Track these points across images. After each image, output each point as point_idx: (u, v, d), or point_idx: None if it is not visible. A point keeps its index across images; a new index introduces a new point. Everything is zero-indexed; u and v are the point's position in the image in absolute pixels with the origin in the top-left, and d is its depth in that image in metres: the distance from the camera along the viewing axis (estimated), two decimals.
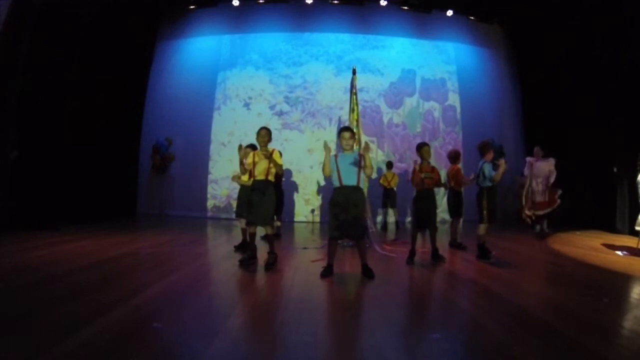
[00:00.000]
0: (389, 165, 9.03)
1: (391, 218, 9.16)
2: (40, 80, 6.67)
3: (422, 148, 5.08)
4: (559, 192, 7.33)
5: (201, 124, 10.40)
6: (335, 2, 10.72)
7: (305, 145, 10.23)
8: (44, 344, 2.22)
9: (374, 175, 9.65)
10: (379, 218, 9.30)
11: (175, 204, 10.40)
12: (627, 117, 7.61)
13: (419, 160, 5.06)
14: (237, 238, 5.87)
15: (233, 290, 3.85)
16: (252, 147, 5.20)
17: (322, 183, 9.58)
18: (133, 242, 6.14)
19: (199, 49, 10.84)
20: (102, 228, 7.21)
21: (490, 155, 5.16)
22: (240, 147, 4.55)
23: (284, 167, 5.29)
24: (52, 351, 2.15)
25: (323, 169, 4.16)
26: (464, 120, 10.79)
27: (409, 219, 9.55)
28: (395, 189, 8.82)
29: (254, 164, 4.55)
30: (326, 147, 4.10)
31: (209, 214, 10.23)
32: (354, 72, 6.73)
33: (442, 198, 8.26)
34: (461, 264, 5.03)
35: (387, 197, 8.79)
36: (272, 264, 4.40)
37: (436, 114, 10.83)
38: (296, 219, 9.95)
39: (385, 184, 8.78)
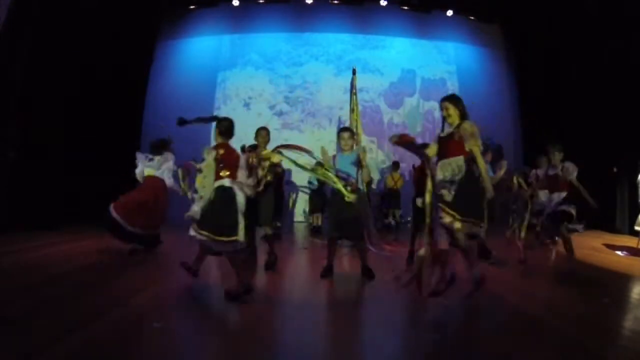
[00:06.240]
0: (396, 165, 8.98)
1: (395, 219, 9.15)
2: (40, 80, 6.66)
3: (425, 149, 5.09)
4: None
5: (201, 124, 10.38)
6: (335, 2, 10.70)
7: (305, 145, 10.14)
8: (44, 344, 2.22)
9: (376, 176, 9.62)
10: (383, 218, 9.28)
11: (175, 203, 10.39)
12: (627, 117, 7.61)
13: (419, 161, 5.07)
14: None
15: None
16: (254, 147, 5.20)
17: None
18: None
19: (199, 49, 10.82)
20: (102, 228, 7.19)
21: (489, 157, 5.17)
22: (243, 147, 4.57)
23: (283, 168, 5.29)
24: (53, 351, 2.15)
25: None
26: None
27: (410, 218, 9.54)
28: (400, 190, 8.81)
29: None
30: (323, 152, 4.12)
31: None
32: (354, 72, 6.73)
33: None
34: (461, 264, 5.02)
35: (392, 198, 8.76)
36: (272, 264, 4.40)
37: (436, 114, 10.78)
38: (296, 219, 9.94)
39: (392, 184, 8.76)
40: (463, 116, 3.31)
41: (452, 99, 3.41)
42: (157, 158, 5.34)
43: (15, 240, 5.51)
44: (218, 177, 3.23)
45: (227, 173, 3.24)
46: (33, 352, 2.13)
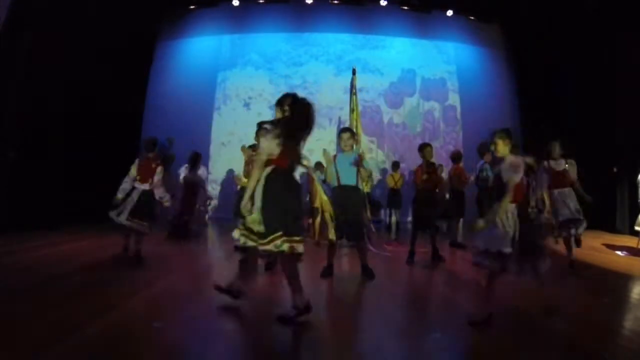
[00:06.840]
0: (396, 165, 8.96)
1: (395, 218, 9.14)
2: (40, 80, 6.66)
3: (424, 149, 5.10)
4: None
5: (201, 124, 10.39)
6: (335, 2, 10.72)
7: (305, 145, 10.19)
8: (44, 344, 2.22)
9: (374, 178, 9.62)
10: (384, 218, 9.29)
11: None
12: (627, 117, 7.62)
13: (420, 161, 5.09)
14: None
15: None
16: (254, 147, 5.20)
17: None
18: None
19: (199, 49, 10.83)
20: (102, 228, 7.19)
21: (489, 156, 5.16)
22: (243, 147, 4.60)
23: None
24: (53, 351, 2.15)
25: (326, 176, 4.26)
26: (464, 120, 10.79)
27: (410, 218, 9.53)
28: (400, 190, 8.79)
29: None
30: (325, 154, 4.21)
31: (209, 214, 10.22)
32: (354, 72, 6.74)
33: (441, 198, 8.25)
34: (461, 264, 5.03)
35: (393, 198, 8.74)
36: (272, 264, 4.39)
37: (436, 113, 10.82)
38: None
39: (392, 184, 8.75)
40: (292, 113, 2.87)
41: (283, 96, 3.07)
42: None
43: (15, 240, 5.51)
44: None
45: (139, 177, 4.73)
46: (33, 352, 2.13)
